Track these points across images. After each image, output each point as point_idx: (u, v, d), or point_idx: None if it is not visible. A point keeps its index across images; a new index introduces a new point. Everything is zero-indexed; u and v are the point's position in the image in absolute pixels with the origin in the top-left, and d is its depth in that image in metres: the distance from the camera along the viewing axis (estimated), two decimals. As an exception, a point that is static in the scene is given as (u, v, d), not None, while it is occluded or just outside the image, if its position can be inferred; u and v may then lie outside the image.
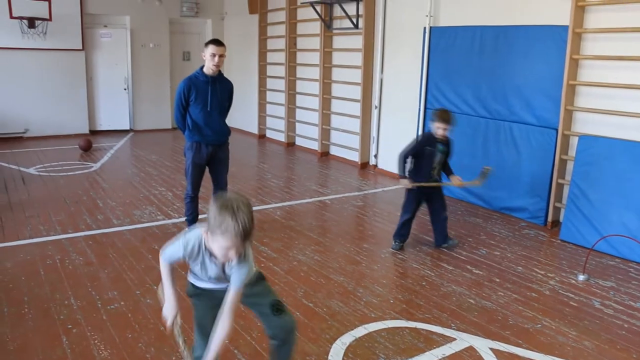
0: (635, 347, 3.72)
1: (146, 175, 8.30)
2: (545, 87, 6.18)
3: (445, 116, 5.19)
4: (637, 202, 5.27)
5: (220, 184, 5.57)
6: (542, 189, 6.24)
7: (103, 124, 12.36)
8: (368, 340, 3.68)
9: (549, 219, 6.23)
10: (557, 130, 6.07)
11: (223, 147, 5.51)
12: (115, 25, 12.26)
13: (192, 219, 5.55)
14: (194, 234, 2.56)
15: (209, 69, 5.20)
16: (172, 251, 2.62)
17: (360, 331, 3.79)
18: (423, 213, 6.70)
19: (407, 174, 5.32)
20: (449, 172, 5.47)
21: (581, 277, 4.83)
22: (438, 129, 5.20)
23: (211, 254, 2.50)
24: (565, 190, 6.09)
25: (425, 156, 5.27)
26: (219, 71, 5.31)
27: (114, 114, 12.48)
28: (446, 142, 5.34)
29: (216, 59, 5.11)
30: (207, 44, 5.18)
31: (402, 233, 5.49)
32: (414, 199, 5.42)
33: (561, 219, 6.10)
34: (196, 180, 5.45)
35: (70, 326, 3.77)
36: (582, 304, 4.35)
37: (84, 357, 3.40)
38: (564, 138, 6.05)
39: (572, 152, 5.99)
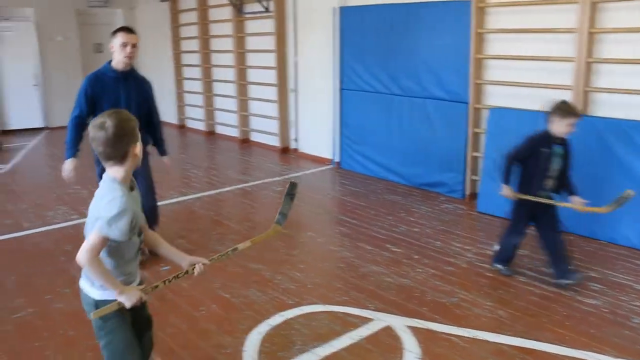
0: (545, 312, 3.81)
1: (60, 174, 7.90)
2: (454, 62, 6.25)
3: (574, 110, 4.03)
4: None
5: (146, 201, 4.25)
6: (458, 162, 6.34)
7: (14, 123, 11.79)
8: (285, 328, 3.63)
9: (467, 192, 6.33)
10: (467, 104, 6.16)
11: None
12: (17, 17, 11.64)
13: None
14: (118, 191, 2.23)
15: (119, 62, 4.32)
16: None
17: (277, 319, 3.73)
18: (342, 193, 6.71)
19: (510, 182, 4.23)
20: (570, 189, 4.21)
21: (497, 247, 4.91)
22: (566, 126, 3.97)
23: None
24: (481, 163, 6.20)
25: (540, 161, 4.09)
26: (132, 66, 4.43)
27: (25, 111, 11.91)
28: (564, 144, 4.14)
29: (128, 49, 4.26)
30: (115, 32, 4.31)
31: (509, 256, 4.46)
32: (524, 215, 4.29)
33: (478, 191, 6.20)
34: None
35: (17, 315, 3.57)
36: (497, 274, 4.43)
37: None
38: (475, 111, 6.14)
39: (484, 125, 6.09)
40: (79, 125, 4.38)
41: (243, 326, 3.64)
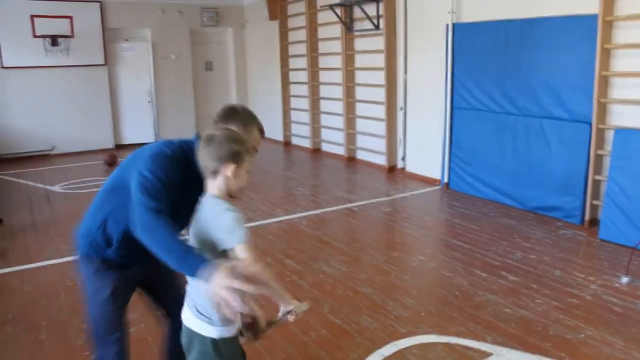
0: (689, 358, 3.44)
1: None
2: (576, 80, 5.90)
3: None
4: (681, 197, 4.98)
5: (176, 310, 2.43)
6: (577, 186, 5.96)
7: (128, 138, 12.30)
8: (398, 358, 3.47)
9: (586, 217, 5.93)
10: (590, 124, 5.78)
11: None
12: (136, 38, 12.23)
13: None
14: (224, 203, 2.11)
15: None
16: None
17: (391, 348, 3.59)
18: (452, 215, 6.46)
19: None
20: None
21: (624, 280, 4.55)
22: None
23: None
24: (602, 187, 5.81)
25: None
26: None
27: (138, 127, 12.43)
28: None
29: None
30: (249, 121, 2.47)
31: None
32: None
33: (599, 217, 5.81)
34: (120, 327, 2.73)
35: (87, 353, 3.62)
36: (628, 310, 4.07)
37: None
38: (599, 132, 5.76)
39: (608, 146, 5.71)
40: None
41: (355, 355, 3.52)
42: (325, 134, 10.86)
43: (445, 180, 7.73)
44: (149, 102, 12.45)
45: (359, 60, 9.57)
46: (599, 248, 5.38)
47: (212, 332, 2.12)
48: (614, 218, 5.42)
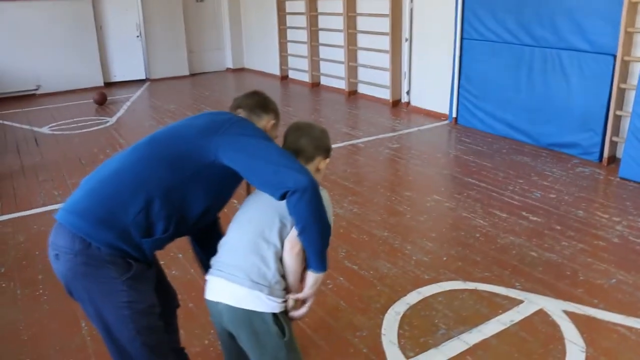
0: None
1: (165, 126, 7.82)
2: (601, 8, 5.51)
3: None
4: None
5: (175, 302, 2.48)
6: (597, 122, 5.66)
7: (118, 75, 11.82)
8: (424, 308, 3.24)
9: (605, 155, 5.66)
10: (614, 56, 5.43)
11: None
12: (122, -33, 11.56)
13: None
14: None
15: None
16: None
17: (414, 297, 3.35)
18: (463, 152, 6.16)
19: None
20: None
21: (653, 220, 4.33)
22: None
23: None
24: (624, 123, 5.52)
25: None
26: None
27: (128, 63, 11.90)
28: None
29: None
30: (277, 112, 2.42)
31: None
32: None
33: (619, 154, 5.54)
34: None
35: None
36: (659, 253, 3.85)
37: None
38: (624, 65, 5.41)
39: (632, 80, 5.39)
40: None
41: (377, 304, 3.28)
42: (324, 67, 10.42)
43: (454, 115, 7.39)
44: (138, 36, 11.89)
45: (361, -12, 9.07)
46: (620, 187, 5.12)
47: (272, 305, 1.92)
48: (636, 156, 5.14)
